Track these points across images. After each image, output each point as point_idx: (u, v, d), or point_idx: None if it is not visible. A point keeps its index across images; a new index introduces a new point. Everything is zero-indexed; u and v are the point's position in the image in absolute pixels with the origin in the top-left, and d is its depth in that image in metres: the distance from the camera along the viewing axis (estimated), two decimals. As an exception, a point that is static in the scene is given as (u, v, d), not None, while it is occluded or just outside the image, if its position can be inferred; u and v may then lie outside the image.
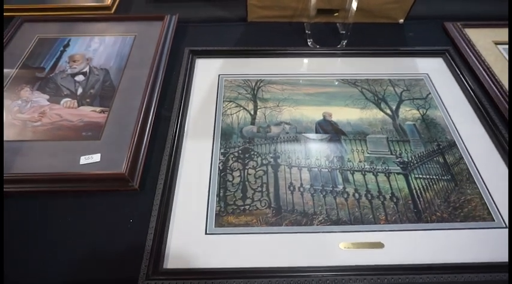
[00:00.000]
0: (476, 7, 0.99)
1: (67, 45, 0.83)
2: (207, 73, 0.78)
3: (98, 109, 0.70)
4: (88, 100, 0.71)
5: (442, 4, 1.00)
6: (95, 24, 0.89)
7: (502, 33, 0.88)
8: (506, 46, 0.85)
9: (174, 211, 0.57)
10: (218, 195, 0.59)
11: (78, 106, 0.70)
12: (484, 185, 0.61)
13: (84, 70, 0.77)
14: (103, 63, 0.79)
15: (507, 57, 0.83)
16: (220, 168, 0.62)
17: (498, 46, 0.85)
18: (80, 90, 0.73)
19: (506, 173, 0.63)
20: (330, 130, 0.68)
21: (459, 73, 0.78)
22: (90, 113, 0.69)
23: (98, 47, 0.83)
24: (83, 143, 0.64)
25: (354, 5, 0.81)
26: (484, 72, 0.78)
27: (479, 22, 0.91)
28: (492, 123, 0.68)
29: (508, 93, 0.73)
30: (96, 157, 0.62)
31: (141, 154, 0.63)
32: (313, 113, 0.71)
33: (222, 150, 0.65)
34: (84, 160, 0.61)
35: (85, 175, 0.59)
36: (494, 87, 0.75)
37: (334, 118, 0.70)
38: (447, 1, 1.01)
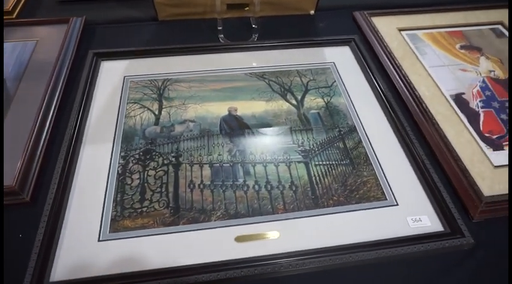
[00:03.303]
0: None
1: (-44, 54, 0.78)
2: (112, 76, 0.76)
3: (-11, 121, 0.66)
4: (-21, 112, 0.67)
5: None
6: (-8, 30, 0.84)
7: (405, 20, 0.92)
8: (409, 32, 0.89)
9: (66, 221, 0.55)
10: (115, 200, 0.57)
11: (-33, 119, 0.66)
12: (379, 166, 0.63)
13: (-24, 80, 0.73)
14: (-1, 72, 0.75)
15: (409, 42, 0.87)
16: (120, 171, 0.61)
17: (401, 32, 0.89)
18: (-31, 103, 0.69)
19: (400, 154, 0.65)
20: (234, 125, 0.68)
21: (363, 60, 0.81)
22: (-20, 126, 0.65)
23: (-6, 55, 0.78)
24: (-30, 158, 0.60)
25: (259, -2, 0.81)
26: (386, 57, 0.82)
27: (385, 10, 0.94)
28: (390, 106, 0.71)
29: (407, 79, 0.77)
30: (-17, 172, 0.58)
31: (35, 165, 0.60)
32: (219, 109, 0.71)
33: (123, 153, 0.63)
34: (-33, 176, 0.58)
35: (-31, 192, 0.56)
36: (394, 71, 0.78)
37: (239, 112, 0.70)
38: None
